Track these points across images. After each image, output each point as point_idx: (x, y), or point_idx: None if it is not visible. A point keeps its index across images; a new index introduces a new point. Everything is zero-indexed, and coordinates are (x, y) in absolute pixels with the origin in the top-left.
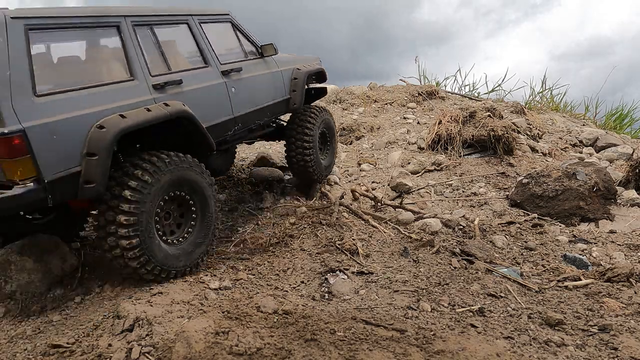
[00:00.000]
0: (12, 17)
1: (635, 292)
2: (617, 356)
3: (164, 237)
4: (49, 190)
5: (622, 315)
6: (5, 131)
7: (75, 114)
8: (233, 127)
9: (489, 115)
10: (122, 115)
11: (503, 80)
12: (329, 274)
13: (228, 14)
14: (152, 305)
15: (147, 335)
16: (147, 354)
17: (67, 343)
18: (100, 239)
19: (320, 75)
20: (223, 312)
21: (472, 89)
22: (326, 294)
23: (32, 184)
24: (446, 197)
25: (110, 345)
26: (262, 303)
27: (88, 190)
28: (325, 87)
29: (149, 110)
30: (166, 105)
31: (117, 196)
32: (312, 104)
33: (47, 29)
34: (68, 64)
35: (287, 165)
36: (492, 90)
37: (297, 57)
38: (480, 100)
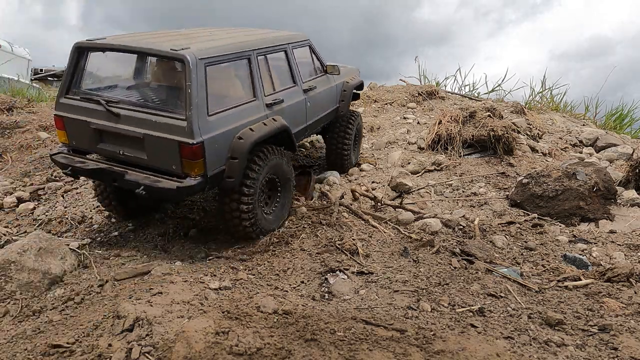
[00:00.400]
0: (199, 58)
1: (635, 292)
2: (617, 356)
3: (263, 208)
4: (208, 182)
5: (622, 315)
6: (195, 142)
7: (228, 129)
8: (304, 133)
9: (489, 115)
10: (251, 129)
11: (503, 80)
12: (329, 274)
13: (308, 39)
14: (152, 305)
15: (147, 335)
16: (147, 354)
17: (67, 343)
18: (224, 205)
19: (359, 86)
20: (223, 312)
21: (472, 89)
22: (326, 294)
23: (200, 178)
24: (446, 197)
25: (110, 345)
26: (262, 303)
27: (229, 183)
28: (359, 94)
29: (265, 124)
30: (274, 120)
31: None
32: (352, 110)
33: (215, 64)
34: (222, 89)
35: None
36: (492, 90)
37: (344, 70)
38: (480, 100)
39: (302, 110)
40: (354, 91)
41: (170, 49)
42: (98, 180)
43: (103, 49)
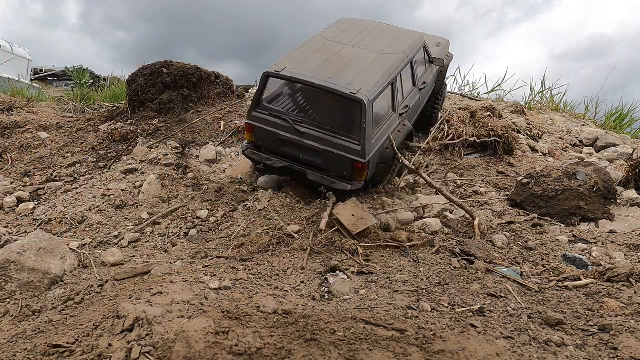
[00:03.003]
0: (370, 99)
1: (635, 292)
2: (617, 356)
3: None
4: (365, 185)
5: (622, 315)
6: (365, 161)
7: (380, 144)
8: (414, 120)
9: (489, 115)
10: (392, 139)
11: (503, 80)
12: (329, 274)
13: (423, 39)
14: (152, 305)
15: (147, 335)
16: (147, 354)
17: (67, 343)
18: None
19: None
20: (223, 312)
21: (472, 88)
22: (326, 294)
23: (363, 182)
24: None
25: (110, 345)
26: (262, 303)
27: (378, 181)
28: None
29: (399, 132)
30: (404, 125)
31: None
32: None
33: (377, 98)
34: (378, 115)
35: None
36: (492, 90)
37: (438, 45)
38: (480, 100)
39: (417, 106)
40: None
41: (350, 92)
42: (287, 175)
43: (287, 79)
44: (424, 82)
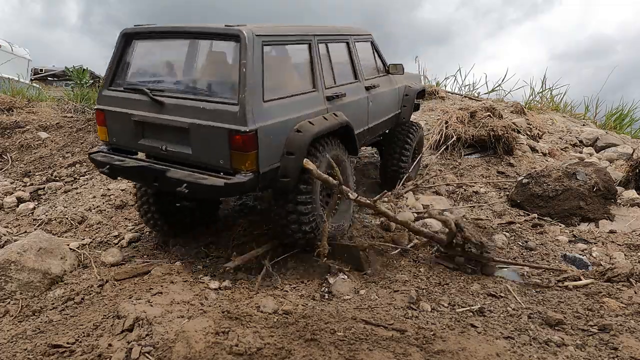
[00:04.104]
0: (256, 35)
1: (635, 292)
2: (617, 356)
3: (323, 209)
4: (260, 180)
5: (622, 315)
6: (247, 129)
7: (284, 119)
8: (365, 137)
9: (489, 115)
10: (310, 122)
11: (503, 80)
12: (329, 274)
13: (371, 35)
14: (152, 305)
15: (147, 335)
16: (147, 354)
17: (67, 343)
18: (278, 209)
19: (421, 93)
20: (223, 312)
21: (472, 88)
22: (326, 294)
23: (251, 174)
24: (446, 197)
25: (110, 345)
26: (262, 303)
27: (283, 183)
28: (419, 103)
29: (325, 119)
30: (336, 115)
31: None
32: (412, 121)
33: (273, 44)
34: (279, 75)
35: None
36: (492, 90)
37: (405, 74)
38: (480, 100)
39: (363, 109)
40: (418, 101)
41: (225, 25)
42: (138, 180)
43: (151, 33)
44: (376, 85)
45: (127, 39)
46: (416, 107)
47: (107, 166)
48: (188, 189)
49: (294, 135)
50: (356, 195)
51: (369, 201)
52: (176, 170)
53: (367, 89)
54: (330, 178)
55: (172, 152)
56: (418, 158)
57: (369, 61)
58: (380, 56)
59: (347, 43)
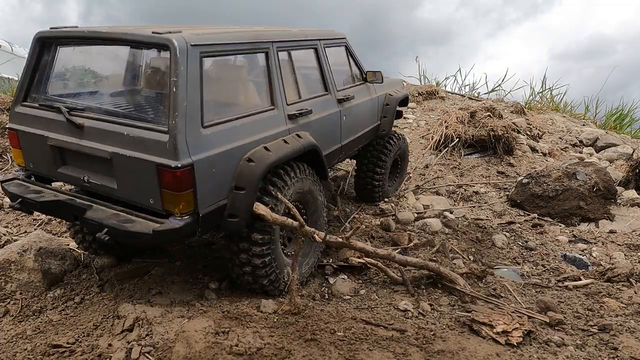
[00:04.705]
0: (192, 44)
1: (635, 292)
2: (617, 356)
3: (285, 251)
4: (201, 223)
5: (622, 315)
6: (179, 165)
7: (232, 146)
8: (338, 156)
9: (489, 115)
10: (266, 148)
11: (503, 80)
12: (329, 274)
13: (344, 38)
14: (152, 305)
15: (147, 335)
16: (147, 354)
17: (67, 343)
18: (231, 254)
19: (404, 101)
20: (223, 312)
21: (472, 89)
22: (326, 294)
23: (188, 217)
24: (446, 197)
25: (110, 345)
26: (262, 303)
27: (231, 224)
28: (402, 111)
29: (286, 142)
30: (299, 137)
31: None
32: (394, 132)
33: (215, 55)
34: (225, 91)
35: None
36: (492, 90)
37: (386, 80)
38: (480, 100)
39: (335, 125)
40: (398, 108)
41: (153, 32)
42: (59, 217)
43: (70, 38)
44: (350, 97)
45: (44, 43)
46: (398, 115)
47: (19, 200)
48: (109, 235)
49: (245, 166)
50: (324, 234)
51: (340, 239)
52: (98, 209)
53: (340, 101)
54: (290, 220)
55: (96, 185)
56: (401, 172)
57: (342, 69)
58: (356, 62)
59: (315, 49)
